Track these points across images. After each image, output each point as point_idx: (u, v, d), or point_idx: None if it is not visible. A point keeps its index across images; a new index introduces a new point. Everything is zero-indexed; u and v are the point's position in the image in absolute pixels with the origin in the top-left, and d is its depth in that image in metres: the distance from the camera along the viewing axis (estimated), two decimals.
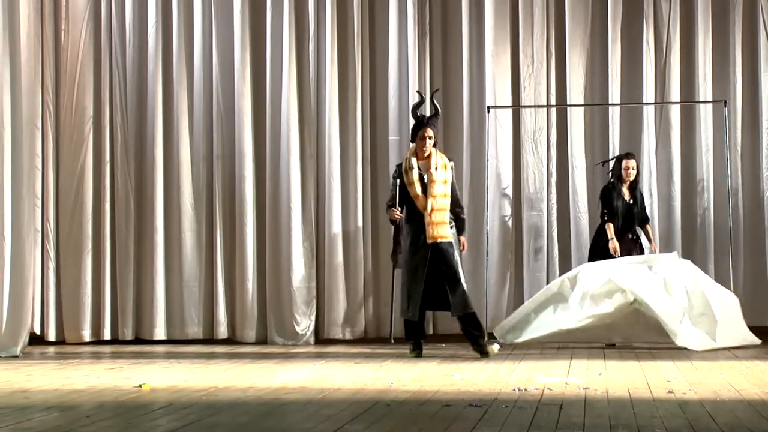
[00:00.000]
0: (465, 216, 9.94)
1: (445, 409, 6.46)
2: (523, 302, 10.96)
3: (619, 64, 11.27)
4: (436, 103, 9.92)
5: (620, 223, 10.62)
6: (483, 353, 9.49)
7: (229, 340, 11.28)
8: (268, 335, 11.18)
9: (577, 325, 10.11)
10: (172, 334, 11.29)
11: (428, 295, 9.63)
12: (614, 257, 10.48)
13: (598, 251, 10.60)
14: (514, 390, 7.27)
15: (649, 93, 11.24)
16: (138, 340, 11.33)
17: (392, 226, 9.97)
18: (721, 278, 10.72)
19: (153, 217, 11.32)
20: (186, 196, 11.32)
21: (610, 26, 11.25)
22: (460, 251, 9.77)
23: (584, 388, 7.35)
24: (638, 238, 10.80)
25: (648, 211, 10.94)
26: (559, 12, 11.38)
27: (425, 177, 9.62)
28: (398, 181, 9.69)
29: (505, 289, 11.19)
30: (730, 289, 10.50)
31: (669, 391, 7.15)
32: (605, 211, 10.61)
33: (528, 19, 11.34)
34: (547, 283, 10.99)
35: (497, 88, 11.32)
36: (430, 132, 9.67)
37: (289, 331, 11.10)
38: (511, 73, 11.38)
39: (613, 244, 10.51)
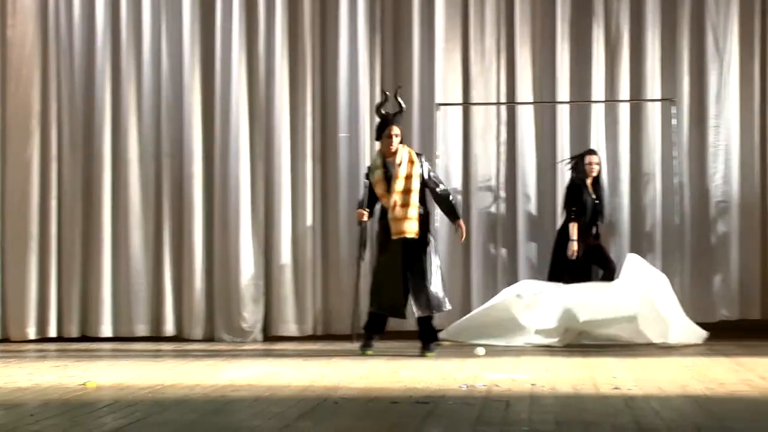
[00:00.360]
0: (452, 199, 9.88)
1: (392, 406, 6.46)
2: (470, 298, 11.04)
3: (568, 63, 11.29)
4: (399, 99, 9.81)
5: (588, 218, 10.74)
6: (422, 354, 9.51)
7: (176, 338, 11.21)
8: (216, 333, 11.14)
9: (525, 346, 10.14)
10: (118, 331, 11.21)
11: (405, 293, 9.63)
12: (572, 259, 10.60)
13: (563, 254, 10.74)
14: (462, 386, 7.29)
15: (598, 91, 11.27)
16: (84, 338, 11.23)
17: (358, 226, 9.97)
18: (668, 275, 10.78)
19: (100, 214, 11.23)
20: (134, 193, 11.24)
21: (559, 24, 11.27)
22: (460, 237, 9.87)
23: (531, 385, 7.38)
24: (598, 235, 10.91)
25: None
26: (509, 10, 11.38)
27: (390, 174, 9.61)
28: (368, 182, 9.70)
29: (454, 286, 11.17)
30: (676, 286, 10.59)
31: (615, 387, 7.20)
32: (574, 208, 10.69)
33: (479, 17, 11.35)
34: (496, 280, 11.06)
35: (447, 86, 11.32)
36: (395, 130, 9.63)
37: (236, 329, 11.06)
38: (461, 70, 11.38)
39: (573, 247, 10.61)
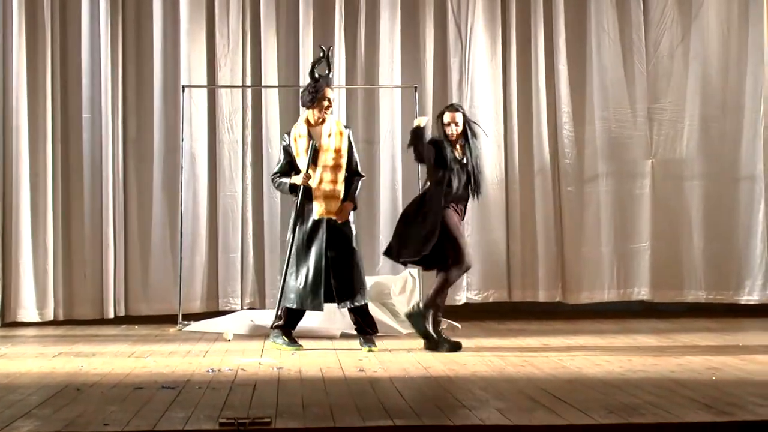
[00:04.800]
0: (360, 183, 8.88)
1: (137, 391, 6.39)
2: (217, 285, 11.10)
3: (311, 47, 11.32)
4: (330, 61, 8.97)
5: (457, 183, 8.56)
6: (369, 348, 8.56)
7: None
8: None
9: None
10: None
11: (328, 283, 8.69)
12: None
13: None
14: (208, 371, 7.26)
15: (341, 76, 11.34)
16: None
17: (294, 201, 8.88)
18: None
19: None
20: None
21: (302, 8, 11.30)
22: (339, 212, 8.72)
23: (278, 369, 7.42)
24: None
25: None
26: None
27: (316, 146, 8.71)
28: (287, 149, 8.79)
29: (198, 270, 11.10)
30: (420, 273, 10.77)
31: (360, 370, 7.31)
32: (438, 168, 8.54)
33: None
34: (241, 264, 11.06)
35: (192, 67, 11.20)
36: (331, 93, 8.80)
37: None
38: (206, 51, 11.28)
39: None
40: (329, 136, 8.76)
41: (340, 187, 8.73)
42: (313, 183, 8.69)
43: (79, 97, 11.05)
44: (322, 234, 8.68)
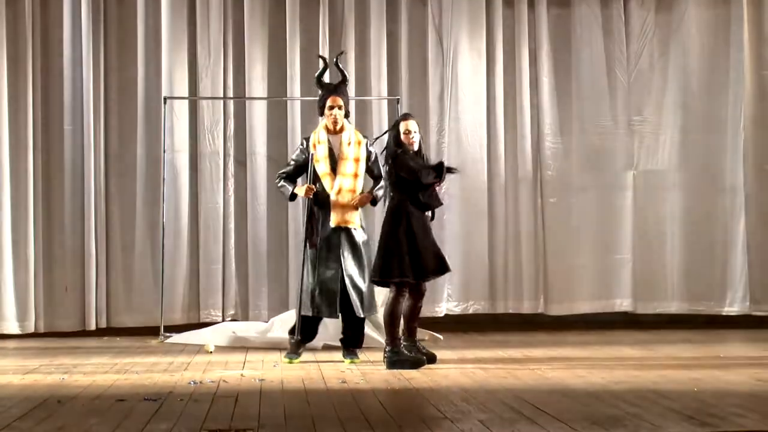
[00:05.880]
0: (383, 189, 8.52)
1: (119, 403, 6.38)
2: (198, 297, 11.08)
3: (297, 57, 11.33)
4: (341, 68, 8.87)
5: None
6: (351, 359, 8.57)
7: None
8: None
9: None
10: None
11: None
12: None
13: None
14: (190, 383, 7.25)
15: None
16: None
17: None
18: None
19: None
20: None
21: (288, 19, 11.31)
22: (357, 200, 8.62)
23: (260, 380, 7.41)
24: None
25: None
26: (236, 3, 11.35)
27: (335, 154, 8.67)
28: (307, 153, 8.64)
29: (180, 282, 11.08)
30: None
31: (342, 381, 7.31)
32: (402, 174, 8.15)
33: (204, 9, 11.25)
34: (223, 275, 11.07)
35: (174, 78, 11.19)
36: (339, 101, 8.64)
37: None
38: (188, 63, 11.27)
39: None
40: (348, 144, 8.69)
41: (359, 196, 8.65)
42: (331, 192, 8.61)
43: (60, 108, 11.02)
44: (338, 242, 8.59)
